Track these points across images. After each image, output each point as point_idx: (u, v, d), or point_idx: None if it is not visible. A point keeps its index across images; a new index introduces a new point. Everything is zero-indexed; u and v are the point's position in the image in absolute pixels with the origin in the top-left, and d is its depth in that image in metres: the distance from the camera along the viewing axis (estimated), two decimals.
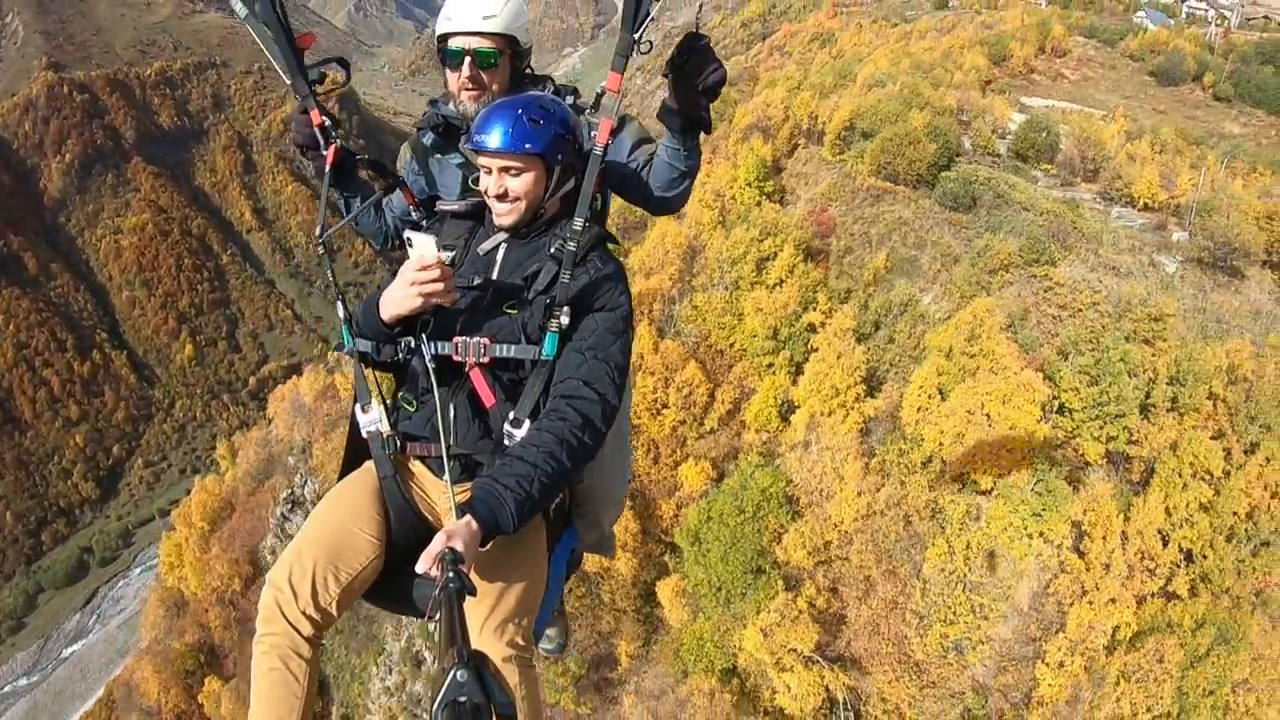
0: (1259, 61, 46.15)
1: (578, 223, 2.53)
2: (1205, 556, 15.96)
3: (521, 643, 2.39)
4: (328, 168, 3.00)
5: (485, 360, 2.54)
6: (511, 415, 2.51)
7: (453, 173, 3.12)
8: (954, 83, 36.67)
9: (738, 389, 21.07)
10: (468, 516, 2.07)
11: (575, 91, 3.14)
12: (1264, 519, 16.19)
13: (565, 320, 2.48)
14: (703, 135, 2.81)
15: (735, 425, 20.93)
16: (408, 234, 2.50)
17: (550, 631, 3.65)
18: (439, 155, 3.16)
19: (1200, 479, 16.31)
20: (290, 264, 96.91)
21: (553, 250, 2.57)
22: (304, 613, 2.34)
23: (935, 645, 16.44)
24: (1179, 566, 15.98)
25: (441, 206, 2.88)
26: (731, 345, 22.23)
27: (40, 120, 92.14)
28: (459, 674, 1.33)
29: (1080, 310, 20.40)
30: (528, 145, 2.48)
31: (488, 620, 2.35)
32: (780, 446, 19.54)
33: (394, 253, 3.15)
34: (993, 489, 16.98)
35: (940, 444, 17.71)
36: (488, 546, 2.14)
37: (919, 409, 18.48)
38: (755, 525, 17.58)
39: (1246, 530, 16.11)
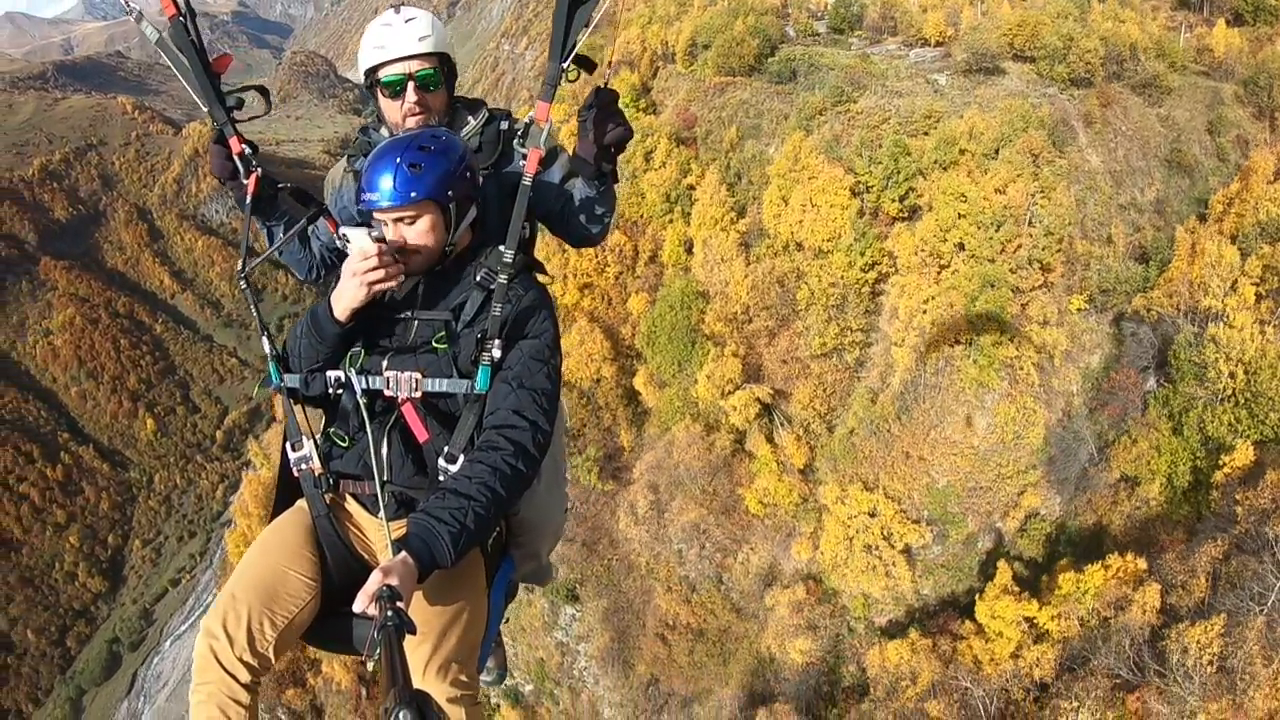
0: None
1: (507, 254, 2.71)
2: (964, 246, 27.64)
3: (466, 680, 2.55)
4: (248, 197, 3.11)
5: (417, 395, 2.68)
6: (446, 450, 2.66)
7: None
8: None
9: (652, 242, 32.56)
10: (404, 553, 2.18)
11: (509, 115, 3.30)
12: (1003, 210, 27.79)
13: (497, 353, 2.64)
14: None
15: (657, 265, 32.46)
16: (343, 230, 2.73)
17: (490, 663, 3.66)
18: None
19: (960, 200, 27.89)
20: (221, 315, 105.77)
21: (478, 279, 2.73)
22: (240, 659, 2.45)
23: (819, 348, 28.15)
24: (957, 251, 27.66)
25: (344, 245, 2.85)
26: (641, 216, 33.65)
27: None
28: (401, 714, 1.42)
29: (876, 126, 32.03)
30: (413, 194, 2.59)
31: (430, 660, 2.49)
32: (690, 265, 31.06)
33: (318, 284, 3.33)
34: (825, 250, 28.63)
35: (791, 232, 29.31)
36: (425, 582, 2.26)
37: (774, 215, 30.05)
38: (684, 314, 29.09)
39: (993, 217, 27.60)
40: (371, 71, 3.07)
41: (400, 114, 3.07)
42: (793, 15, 42.61)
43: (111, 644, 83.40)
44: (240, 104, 3.17)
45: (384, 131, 3.20)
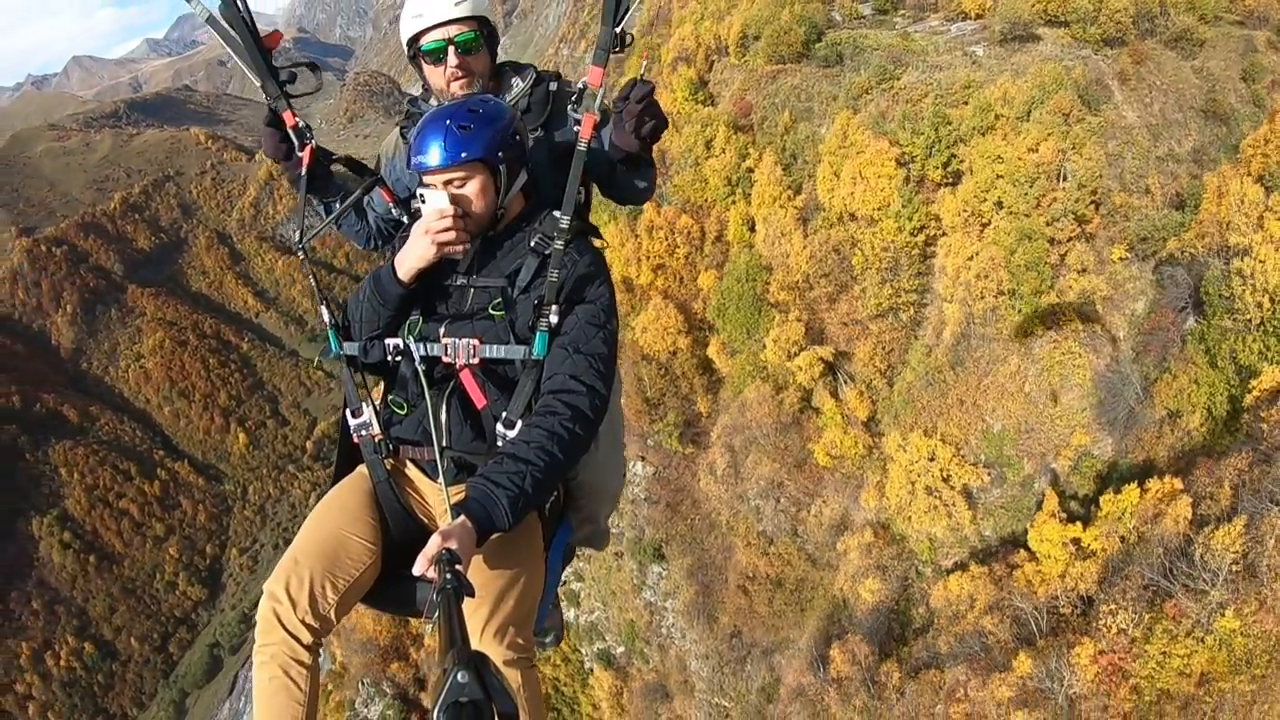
0: None
1: (564, 220, 2.82)
2: (1003, 204, 30.64)
3: (522, 643, 2.65)
4: (303, 170, 3.29)
5: (475, 361, 2.82)
6: (504, 415, 2.78)
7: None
8: None
9: (717, 222, 36.19)
10: (463, 517, 2.30)
11: (558, 76, 3.43)
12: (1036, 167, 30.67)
13: (554, 319, 2.75)
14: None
15: (723, 244, 36.09)
16: (420, 191, 2.85)
17: (546, 625, 3.74)
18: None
19: (997, 161, 30.91)
20: (305, 330, 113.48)
21: (532, 244, 2.86)
22: (303, 621, 2.57)
23: (875, 309, 31.44)
24: (996, 209, 30.68)
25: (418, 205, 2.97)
26: (705, 199, 37.29)
27: (31, 285, 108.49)
28: (459, 675, 1.46)
29: (918, 100, 35.14)
30: (464, 154, 2.73)
31: (488, 624, 2.60)
32: (752, 242, 34.63)
33: (376, 253, 3.45)
34: (876, 218, 31.91)
35: (844, 203, 32.65)
36: (484, 546, 2.38)
37: (827, 190, 33.42)
38: (750, 286, 32.67)
39: (1027, 175, 30.58)
40: (413, 41, 3.24)
41: (444, 80, 3.25)
42: (838, 0, 45.78)
43: (212, 648, 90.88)
44: (293, 78, 3.37)
45: (432, 101, 3.40)
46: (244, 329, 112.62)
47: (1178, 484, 24.13)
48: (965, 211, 30.51)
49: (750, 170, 36.41)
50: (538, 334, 2.77)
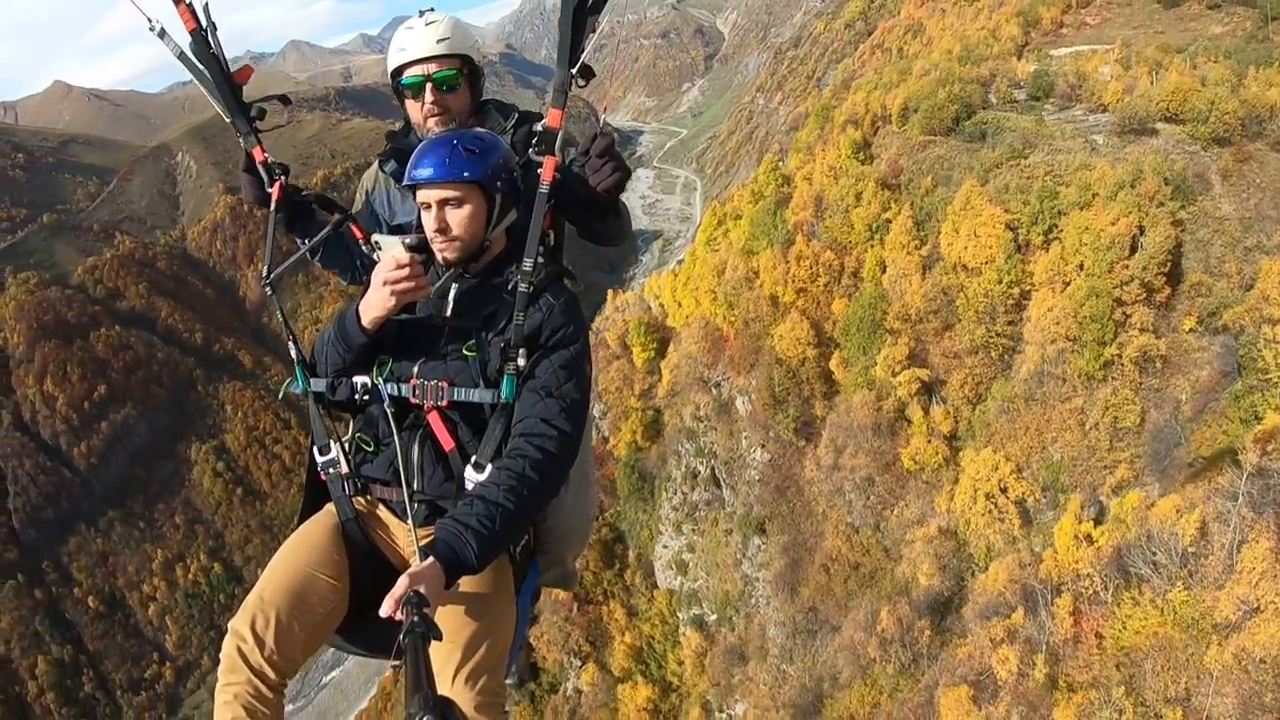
0: None
1: (528, 263, 3.07)
2: (1083, 267, 39.74)
3: (495, 691, 2.89)
4: (273, 205, 3.59)
5: (444, 404, 3.06)
6: (473, 458, 3.02)
7: (412, 206, 3.46)
8: (993, 54, 61.37)
9: (856, 261, 46.74)
10: (431, 558, 2.46)
11: (540, 117, 3.60)
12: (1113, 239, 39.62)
13: (522, 363, 3.01)
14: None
15: (857, 280, 46.75)
16: (375, 238, 3.11)
17: (512, 666, 3.79)
18: (399, 187, 3.79)
19: (1085, 231, 39.92)
20: None
21: (508, 288, 3.12)
22: (268, 660, 2.79)
23: (969, 344, 41.12)
24: (1078, 271, 39.83)
25: (376, 254, 3.21)
26: (849, 240, 47.86)
27: (229, 238, 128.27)
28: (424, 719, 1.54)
29: (1038, 178, 44.59)
30: (465, 173, 2.98)
31: (460, 669, 2.83)
32: (881, 280, 44.88)
33: (364, 286, 3.45)
34: (981, 270, 41.54)
35: (958, 256, 42.48)
36: (455, 589, 2.54)
37: (948, 244, 43.34)
38: (871, 312, 43.08)
39: (1105, 244, 39.59)
40: (396, 74, 3.58)
41: (421, 115, 3.60)
42: (996, 84, 55.52)
43: None
44: (262, 114, 3.72)
45: (412, 137, 3.75)
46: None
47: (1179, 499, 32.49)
48: (1053, 271, 39.87)
49: (889, 221, 46.65)
50: (506, 377, 3.03)
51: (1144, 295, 38.45)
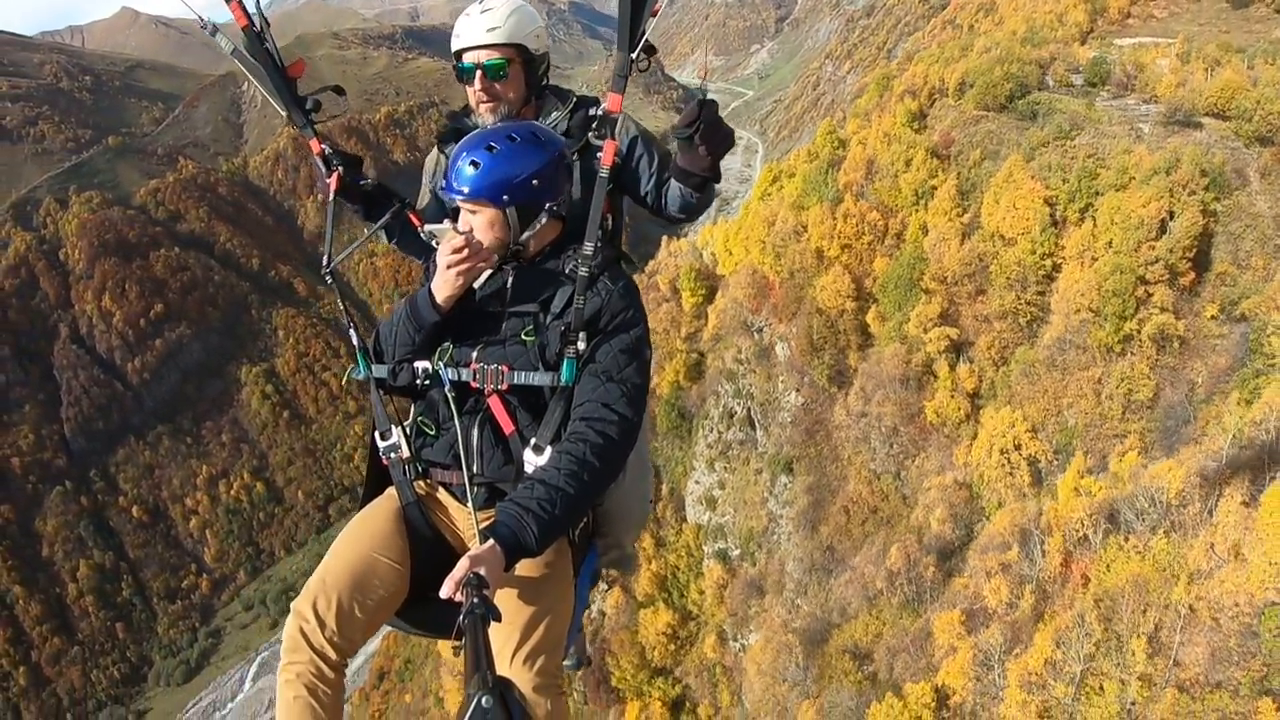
0: None
1: (588, 247, 3.17)
2: (1111, 244, 43.19)
3: (552, 672, 3.00)
4: (330, 196, 3.87)
5: (503, 387, 3.18)
6: (533, 441, 3.14)
7: None
8: (1057, 37, 64.32)
9: (900, 223, 50.74)
10: (491, 541, 2.57)
11: (597, 102, 3.80)
12: (1143, 220, 42.96)
13: (582, 346, 3.12)
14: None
15: (900, 241, 50.52)
16: (428, 227, 3.32)
17: (571, 649, 4.04)
18: None
19: (1117, 211, 43.32)
20: None
21: (566, 271, 3.25)
22: (330, 640, 2.93)
23: (999, 309, 44.81)
24: (1107, 248, 43.28)
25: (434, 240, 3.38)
26: (896, 204, 51.62)
27: (290, 168, 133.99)
28: (484, 700, 1.61)
29: (1080, 159, 47.88)
30: (465, 189, 3.13)
31: (519, 650, 2.94)
32: (922, 243, 48.57)
33: (430, 269, 3.62)
34: (1016, 240, 45.10)
35: (996, 225, 46.02)
36: (515, 571, 2.68)
37: (988, 213, 46.90)
38: (910, 271, 46.68)
39: (1134, 223, 43.00)
40: (456, 57, 3.76)
41: (474, 100, 3.80)
42: (1054, 67, 58.55)
43: None
44: (318, 106, 3.97)
45: (471, 119, 3.94)
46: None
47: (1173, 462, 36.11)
48: (1083, 246, 43.39)
49: (934, 188, 50.24)
50: (565, 361, 3.14)
51: (1167, 276, 41.76)
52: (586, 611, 4.19)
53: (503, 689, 1.64)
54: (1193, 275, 42.53)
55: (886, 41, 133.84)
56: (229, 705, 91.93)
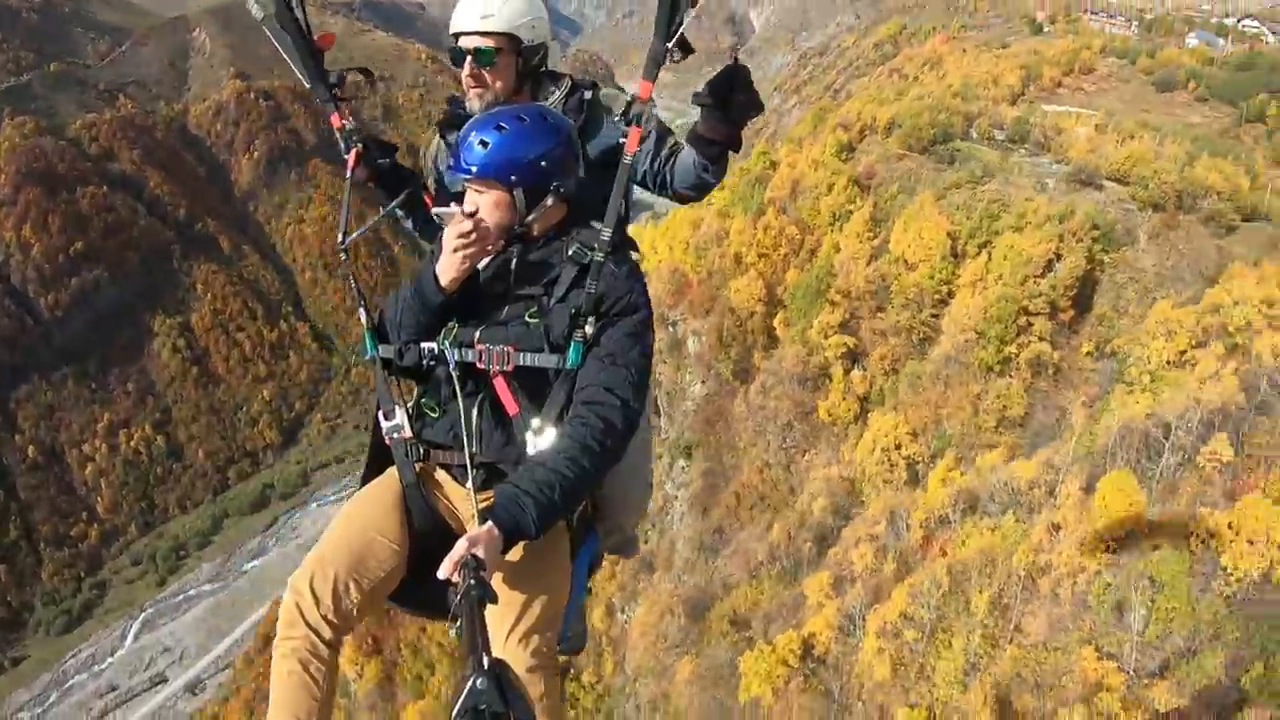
0: (1236, 69, 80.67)
1: (605, 233, 3.26)
2: (1001, 276, 49.52)
3: (546, 652, 3.08)
4: (349, 172, 3.91)
5: (509, 368, 3.23)
6: (535, 423, 3.19)
7: None
8: (990, 95, 71.54)
9: (817, 241, 56.57)
10: (489, 523, 2.62)
11: (595, 86, 3.98)
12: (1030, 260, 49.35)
13: (589, 330, 3.18)
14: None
15: (814, 257, 56.18)
16: (435, 211, 3.37)
17: (569, 633, 4.02)
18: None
19: (1010, 249, 49.60)
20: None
21: (570, 253, 3.29)
22: (325, 618, 3.00)
23: (895, 325, 50.80)
24: (997, 280, 49.55)
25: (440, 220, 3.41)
26: (815, 223, 57.66)
27: (230, 122, 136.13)
28: (478, 681, 1.68)
29: (985, 201, 54.25)
30: (474, 169, 3.17)
31: (513, 631, 3.01)
32: (833, 260, 54.52)
33: (436, 249, 3.64)
34: (917, 266, 51.22)
35: (901, 251, 52.13)
36: (511, 553, 2.73)
37: (896, 240, 53.00)
38: (818, 282, 52.59)
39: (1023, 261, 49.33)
40: (453, 40, 3.83)
41: (464, 84, 3.88)
42: (979, 122, 65.49)
43: (266, 487, 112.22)
44: (342, 80, 4.09)
45: (466, 103, 3.98)
46: (401, 234, 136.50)
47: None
48: (976, 277, 49.69)
49: (851, 212, 56.48)
50: (573, 344, 3.19)
51: (1048, 310, 48.02)
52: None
53: (498, 671, 1.75)
54: (1073, 313, 48.79)
55: (835, 81, 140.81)
56: (108, 660, 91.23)
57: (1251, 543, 26.82)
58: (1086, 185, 56.29)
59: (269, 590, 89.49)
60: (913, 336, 51.70)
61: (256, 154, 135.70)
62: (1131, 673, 26.40)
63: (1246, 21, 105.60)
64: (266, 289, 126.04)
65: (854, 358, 52.59)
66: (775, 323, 56.23)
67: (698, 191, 3.85)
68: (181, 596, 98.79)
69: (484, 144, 3.13)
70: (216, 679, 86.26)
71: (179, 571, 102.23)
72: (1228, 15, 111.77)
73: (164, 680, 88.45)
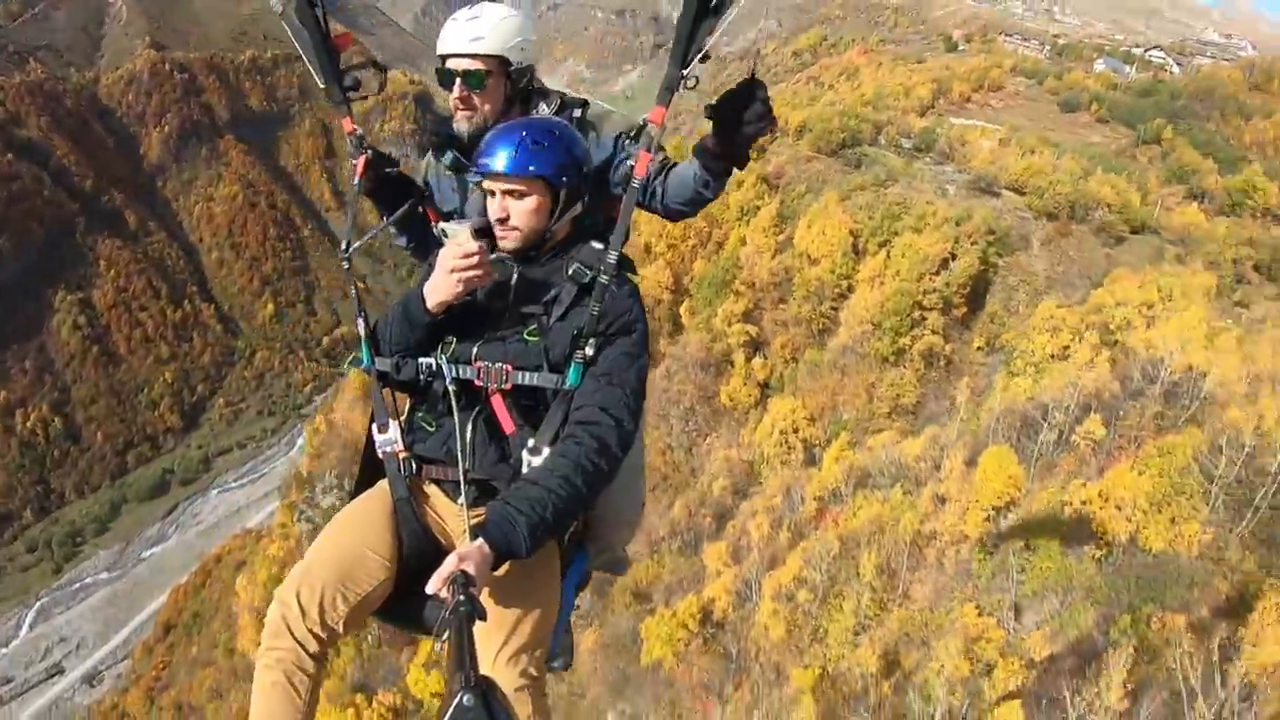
0: (1139, 94, 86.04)
1: (611, 255, 3.25)
2: (899, 273, 52.81)
3: (535, 673, 3.05)
4: (356, 179, 3.87)
5: (506, 387, 3.23)
6: (531, 443, 3.16)
7: (448, 184, 4.08)
8: (901, 106, 75.33)
9: (724, 234, 59.50)
10: (480, 539, 2.61)
11: (585, 104, 3.99)
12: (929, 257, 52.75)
13: (590, 351, 3.16)
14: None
15: (721, 249, 58.95)
16: (441, 225, 3.30)
17: (557, 650, 3.97)
18: (449, 172, 4.07)
19: (910, 249, 52.91)
20: (363, 244, 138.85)
21: (570, 272, 3.26)
22: (311, 630, 2.99)
23: (796, 316, 53.71)
24: (894, 276, 52.83)
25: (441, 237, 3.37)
26: (724, 218, 60.44)
27: (143, 93, 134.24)
28: (465, 698, 1.67)
29: (887, 203, 57.52)
30: (531, 168, 3.13)
31: (502, 649, 2.99)
32: (739, 254, 57.34)
33: (428, 267, 3.62)
34: (819, 260, 54.27)
35: (805, 246, 55.10)
36: (501, 571, 2.70)
37: (800, 236, 56.03)
38: (723, 273, 55.39)
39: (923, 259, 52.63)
40: (440, 62, 3.80)
41: (451, 105, 3.86)
42: (887, 130, 69.08)
43: (166, 472, 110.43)
44: (357, 84, 3.98)
45: (452, 125, 3.95)
46: (311, 218, 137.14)
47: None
48: (875, 273, 52.85)
49: (759, 207, 59.46)
50: (572, 365, 3.16)
51: (941, 305, 51.35)
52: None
53: (485, 689, 1.73)
54: (966, 310, 52.29)
55: None
56: (2, 651, 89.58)
57: (1119, 508, 29.96)
58: (985, 193, 60.25)
59: (168, 578, 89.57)
60: (813, 327, 54.66)
61: (168, 127, 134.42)
62: (1010, 629, 29.18)
63: (1154, 52, 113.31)
64: (172, 267, 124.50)
65: (756, 346, 55.37)
66: (681, 310, 59.04)
67: (691, 207, 3.76)
68: (78, 585, 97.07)
69: (540, 145, 3.16)
70: (115, 669, 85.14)
71: (75, 559, 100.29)
72: (1137, 45, 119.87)
73: (60, 671, 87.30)
